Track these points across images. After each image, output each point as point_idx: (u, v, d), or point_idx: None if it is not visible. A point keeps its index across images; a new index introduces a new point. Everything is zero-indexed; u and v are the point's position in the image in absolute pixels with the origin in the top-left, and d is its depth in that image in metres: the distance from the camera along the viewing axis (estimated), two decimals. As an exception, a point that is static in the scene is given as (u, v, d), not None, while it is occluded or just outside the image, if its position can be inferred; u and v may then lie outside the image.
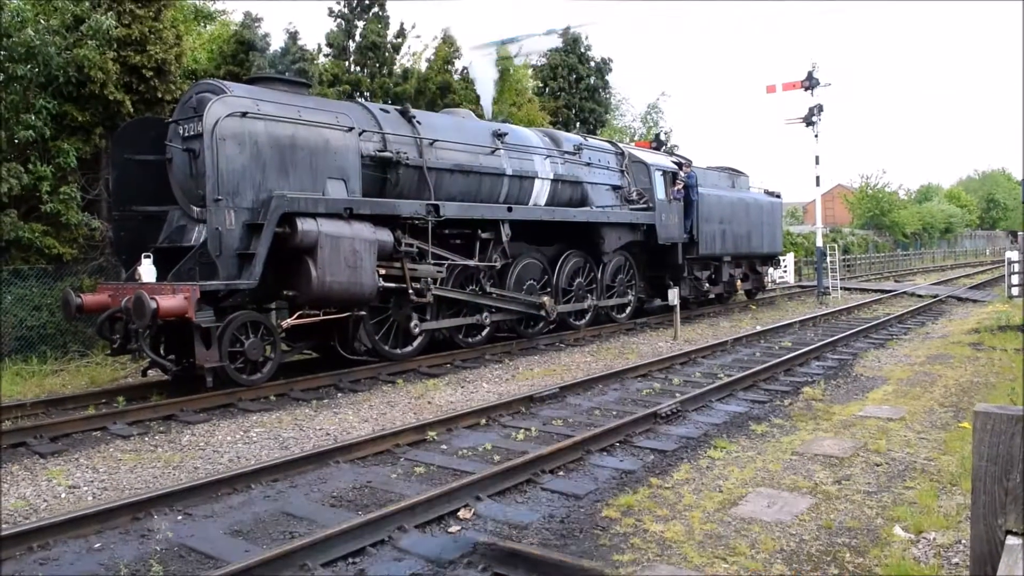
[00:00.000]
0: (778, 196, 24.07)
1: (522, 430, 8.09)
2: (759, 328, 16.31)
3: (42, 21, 13.52)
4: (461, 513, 5.69)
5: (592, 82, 33.46)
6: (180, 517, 5.70)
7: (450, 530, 5.43)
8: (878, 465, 6.75)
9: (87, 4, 13.65)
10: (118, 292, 9.82)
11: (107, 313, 9.75)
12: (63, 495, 6.48)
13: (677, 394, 9.61)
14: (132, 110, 13.87)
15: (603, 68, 34.12)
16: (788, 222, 37.97)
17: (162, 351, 10.19)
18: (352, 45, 21.79)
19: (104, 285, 10.55)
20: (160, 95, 14.37)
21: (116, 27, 13.66)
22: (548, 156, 14.98)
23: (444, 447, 7.61)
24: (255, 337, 9.81)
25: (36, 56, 13.11)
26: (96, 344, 12.66)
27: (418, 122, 12.53)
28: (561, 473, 6.68)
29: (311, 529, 5.41)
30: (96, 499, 6.32)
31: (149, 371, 10.59)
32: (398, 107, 12.79)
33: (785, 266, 25.64)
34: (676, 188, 18.04)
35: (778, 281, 25.48)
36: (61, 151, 13.40)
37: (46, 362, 12.32)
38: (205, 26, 21.17)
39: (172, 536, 5.31)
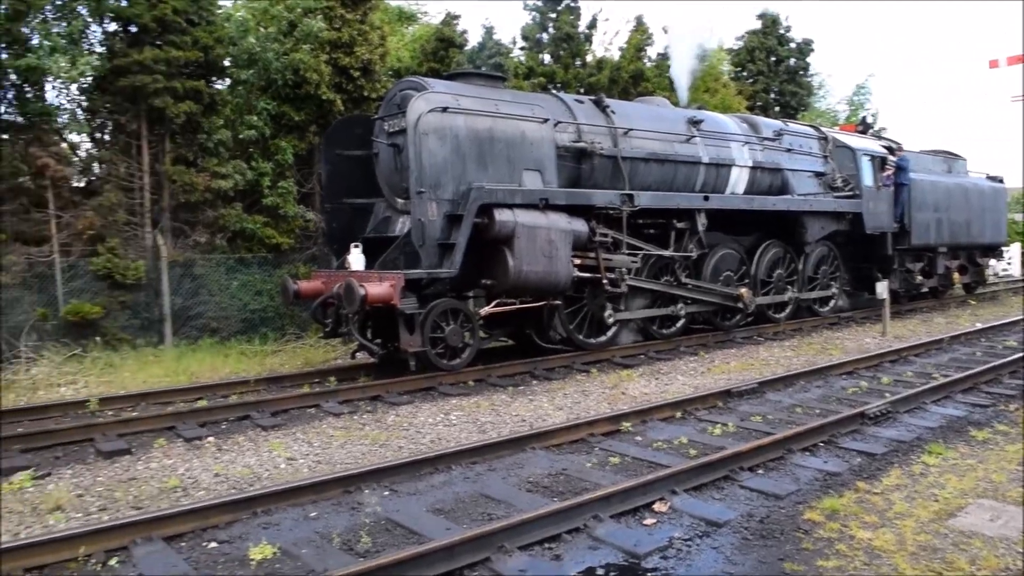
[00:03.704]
0: (1000, 181, 22.06)
1: (719, 425, 7.89)
2: (979, 325, 15.04)
3: (262, 29, 14.60)
4: (657, 506, 5.63)
5: (792, 64, 32.01)
6: (387, 493, 6.00)
7: (645, 522, 5.38)
8: None
9: (300, 11, 14.60)
10: (330, 279, 10.47)
11: (320, 299, 10.42)
12: (282, 466, 6.99)
13: (887, 394, 9.04)
14: (342, 108, 14.72)
15: (804, 49, 32.55)
16: (1015, 209, 34.69)
17: (369, 335, 10.77)
18: (546, 37, 22.03)
19: (317, 273, 11.28)
20: (366, 93, 15.14)
21: (326, 31, 14.55)
22: (746, 143, 14.50)
23: (639, 438, 7.56)
24: (455, 324, 10.17)
25: (257, 62, 14.21)
26: (310, 327, 13.57)
27: (612, 111, 12.48)
28: (760, 471, 6.46)
29: (508, 512, 5.52)
30: (311, 471, 6.77)
31: (357, 354, 11.23)
32: (592, 97, 12.80)
33: (1010, 258, 23.47)
34: (885, 174, 16.94)
35: (1001, 274, 23.40)
36: (279, 149, 14.44)
37: (266, 343, 13.36)
38: (408, 27, 22.12)
39: (380, 510, 5.59)
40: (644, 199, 12.17)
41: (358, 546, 5.01)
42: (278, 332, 13.83)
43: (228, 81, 14.67)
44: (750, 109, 26.03)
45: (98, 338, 12.20)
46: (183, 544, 5.14)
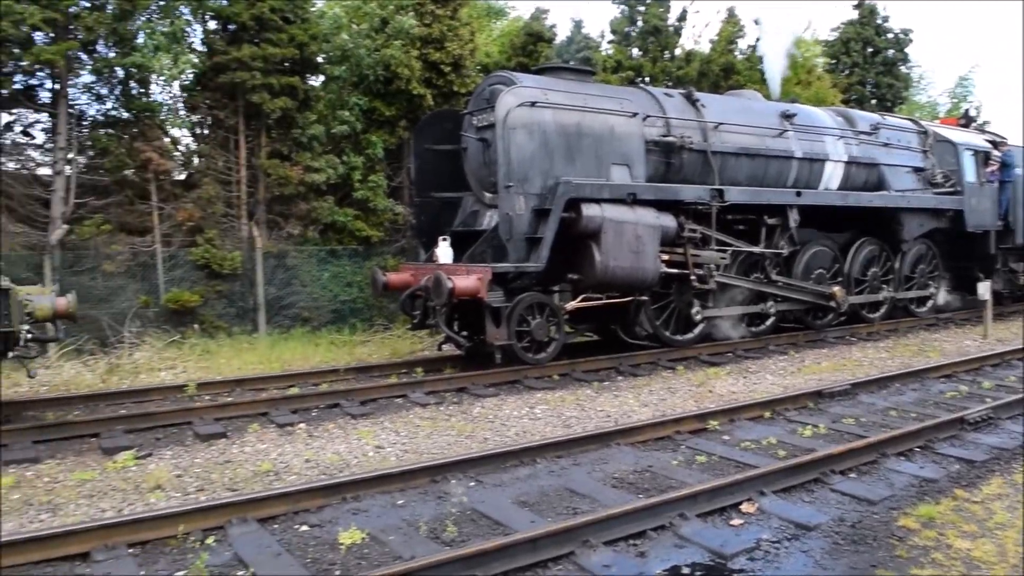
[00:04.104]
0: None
1: (809, 426, 7.71)
2: (1092, 329, 14.30)
3: (355, 26, 14.89)
4: (744, 507, 5.54)
5: (890, 55, 30.90)
6: (472, 483, 6.06)
7: (732, 523, 5.30)
8: None
9: (392, 7, 14.82)
10: (418, 272, 10.63)
11: (409, 291, 10.58)
12: (370, 453, 7.13)
13: (988, 399, 8.67)
14: (432, 103, 14.90)
15: (902, 40, 31.39)
16: None
17: (456, 328, 10.88)
18: (634, 31, 21.81)
19: (406, 265, 11.46)
20: (456, 88, 15.27)
21: (418, 27, 14.75)
22: (841, 137, 14.08)
23: (726, 437, 7.45)
24: (541, 318, 10.19)
25: (350, 58, 14.49)
26: (397, 318, 13.79)
27: (702, 105, 12.29)
28: (852, 475, 6.28)
29: (593, 507, 5.52)
30: (398, 460, 6.89)
31: (444, 345, 11.37)
32: (682, 91, 12.62)
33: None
34: (989, 170, 16.22)
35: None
36: (370, 143, 14.71)
37: (355, 333, 13.65)
38: (496, 22, 22.23)
39: (466, 500, 5.66)
40: (734, 194, 11.96)
41: (444, 535, 5.08)
42: (366, 323, 14.10)
43: (322, 77, 15.00)
44: (845, 102, 25.26)
45: (196, 325, 12.69)
46: (276, 526, 5.30)
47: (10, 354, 7.68)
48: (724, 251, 12.01)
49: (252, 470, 6.64)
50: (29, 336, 7.58)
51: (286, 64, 13.91)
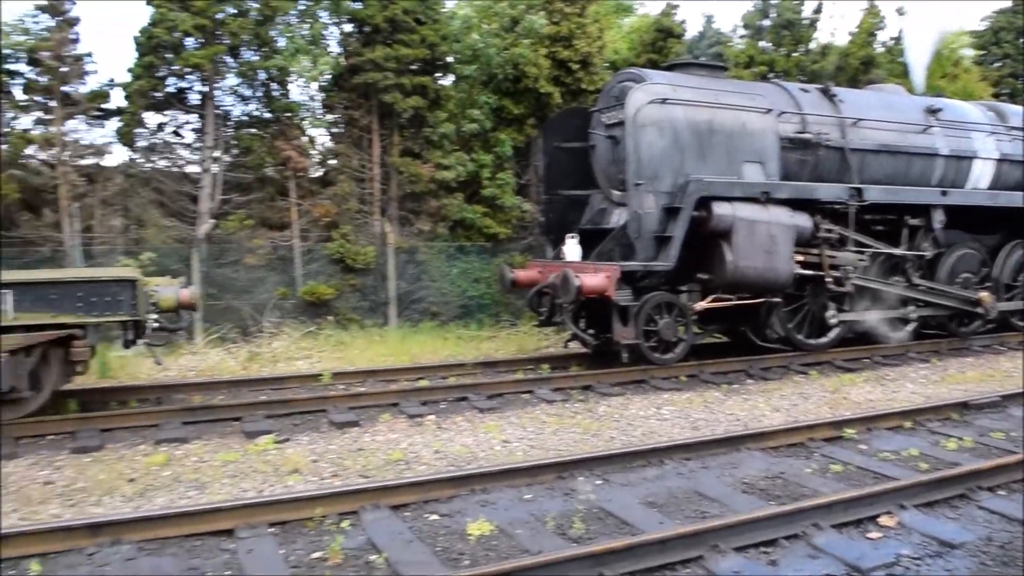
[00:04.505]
0: None
1: (953, 439, 7.31)
2: None
3: (484, 25, 15.09)
4: (882, 520, 5.30)
5: (1048, 45, 28.87)
6: (599, 482, 6.05)
7: (870, 535, 5.09)
8: None
9: (522, 7, 14.94)
10: (546, 269, 10.67)
11: (536, 288, 10.64)
12: (497, 447, 7.22)
13: None
14: (560, 101, 14.93)
15: (1064, 27, 29.26)
16: None
17: (582, 326, 10.87)
18: (767, 24, 21.21)
19: (533, 262, 11.52)
20: (584, 86, 15.24)
21: (547, 25, 14.81)
22: (992, 133, 13.24)
23: (863, 447, 7.15)
24: (669, 318, 10.05)
25: (479, 57, 14.69)
26: (523, 315, 13.90)
27: (840, 100, 11.83)
28: (1002, 492, 5.90)
29: (722, 511, 5.42)
30: (525, 455, 6.96)
31: (570, 343, 11.38)
32: (819, 86, 12.19)
33: None
34: None
35: None
36: (499, 141, 14.87)
37: (482, 328, 13.84)
38: (624, 19, 22.05)
39: (593, 498, 5.65)
40: (874, 193, 11.46)
41: (570, 531, 5.09)
42: (493, 318, 14.28)
43: (452, 77, 15.27)
44: (995, 96, 23.80)
45: (331, 317, 13.18)
46: (407, 514, 5.43)
47: (139, 341, 8.15)
48: (862, 253, 11.53)
49: (383, 458, 6.83)
50: (155, 325, 8.01)
51: (418, 64, 14.22)
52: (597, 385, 9.57)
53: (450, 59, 14.92)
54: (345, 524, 5.21)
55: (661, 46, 17.30)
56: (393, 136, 14.28)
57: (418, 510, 5.50)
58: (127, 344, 8.30)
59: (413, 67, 14.16)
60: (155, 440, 7.38)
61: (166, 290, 8.09)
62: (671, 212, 9.92)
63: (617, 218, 10.81)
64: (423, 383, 9.72)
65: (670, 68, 11.59)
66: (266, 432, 7.56)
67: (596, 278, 9.54)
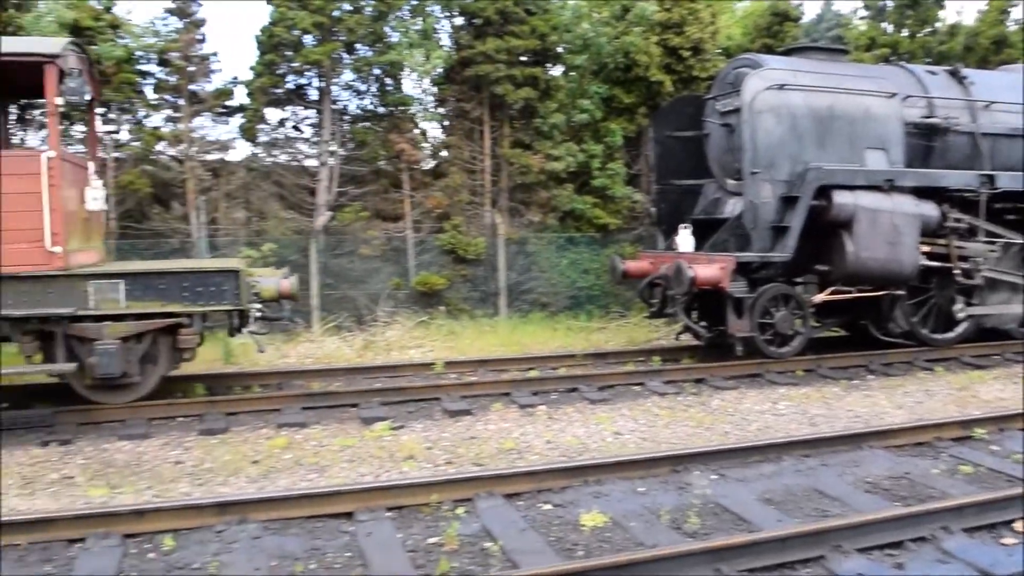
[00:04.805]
0: None
1: (1096, 441, 6.87)
2: None
3: (595, 14, 14.98)
4: (1017, 525, 5.03)
5: None
6: (714, 476, 5.94)
7: (1003, 541, 4.83)
8: None
9: (633, -6, 14.79)
10: (657, 260, 10.54)
11: (648, 279, 10.53)
12: (608, 439, 7.20)
13: None
14: (671, 89, 14.70)
15: None
16: None
17: (694, 317, 10.69)
18: (889, 4, 20.30)
19: (645, 253, 11.41)
20: (696, 73, 14.93)
21: (657, 12, 14.59)
22: None
23: (994, 448, 6.79)
24: (786, 310, 9.78)
25: (590, 47, 14.59)
26: (633, 306, 13.77)
27: (970, 83, 11.24)
28: None
29: (844, 511, 5.25)
30: (637, 447, 6.91)
31: (681, 335, 11.22)
32: (946, 67, 11.61)
33: None
34: None
35: None
36: (609, 131, 14.75)
37: (591, 319, 13.79)
38: (737, 3, 21.50)
39: (708, 493, 5.55)
40: (1006, 180, 10.83)
41: (686, 525, 5.03)
42: (603, 309, 14.19)
43: (562, 67, 15.23)
44: None
45: (442, 307, 13.39)
46: (521, 503, 5.48)
47: (244, 330, 8.43)
48: (993, 243, 10.92)
49: (496, 447, 6.91)
50: (258, 314, 8.28)
51: (528, 55, 14.25)
52: (710, 378, 9.41)
53: (560, 49, 14.88)
54: (460, 511, 5.29)
55: (777, 30, 16.79)
56: (503, 127, 14.36)
57: (531, 499, 5.53)
58: (232, 332, 8.60)
59: (523, 58, 14.20)
60: (276, 424, 7.67)
61: (267, 280, 8.37)
62: (789, 201, 9.66)
63: (732, 208, 10.59)
64: (534, 373, 9.77)
65: (787, 53, 11.28)
66: (382, 419, 7.75)
67: (710, 269, 9.38)
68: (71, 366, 7.55)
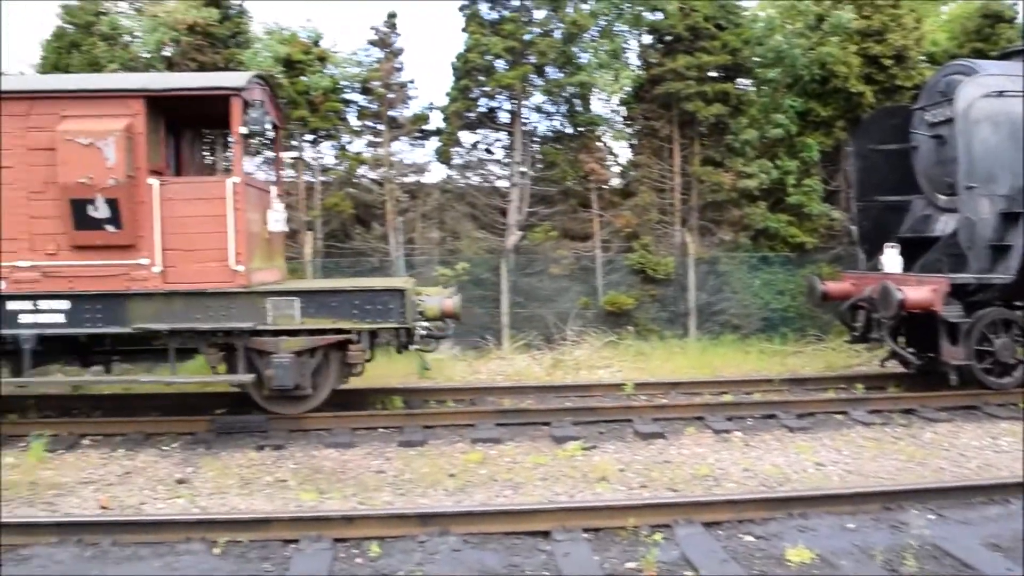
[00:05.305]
0: None
1: None
2: None
3: (788, 25, 14.48)
4: None
5: None
6: (932, 516, 5.53)
7: None
8: None
9: (828, 2, 14.17)
10: (861, 281, 10.02)
11: (850, 301, 10.02)
12: (810, 470, 6.88)
13: None
14: (872, 101, 13.96)
15: None
16: None
17: (902, 343, 10.05)
18: None
19: (847, 274, 10.85)
20: (899, 83, 14.13)
21: (855, 20, 13.92)
22: None
23: None
24: (1007, 337, 9.02)
25: (783, 59, 14.13)
26: (831, 329, 13.14)
27: None
28: None
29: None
30: (842, 480, 6.58)
31: (887, 362, 10.55)
32: None
33: None
34: None
35: None
36: (805, 146, 14.21)
37: (786, 343, 13.26)
38: (944, 6, 20.14)
39: (926, 534, 5.17)
40: None
41: (902, 568, 4.71)
42: (798, 333, 13.62)
43: (754, 81, 14.84)
44: None
45: (631, 327, 13.32)
46: (720, 532, 5.32)
47: (410, 347, 8.66)
48: None
49: (690, 472, 6.77)
50: (423, 332, 8.49)
51: (719, 71, 13.99)
52: (921, 409, 8.79)
53: (752, 63, 14.50)
54: (658, 536, 5.20)
55: (988, 33, 15.57)
56: (693, 145, 14.16)
57: (732, 529, 5.37)
58: (399, 349, 8.88)
59: (714, 74, 13.97)
60: (471, 439, 7.89)
61: (430, 300, 8.59)
62: (1010, 218, 8.97)
63: (944, 225, 9.91)
64: (727, 398, 9.52)
65: (1004, 57, 10.55)
66: (573, 438, 7.80)
67: (920, 291, 8.80)
68: (250, 377, 8.13)
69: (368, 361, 8.64)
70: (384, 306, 8.21)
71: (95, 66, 12.45)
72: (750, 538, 5.23)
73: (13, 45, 26.57)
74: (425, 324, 8.43)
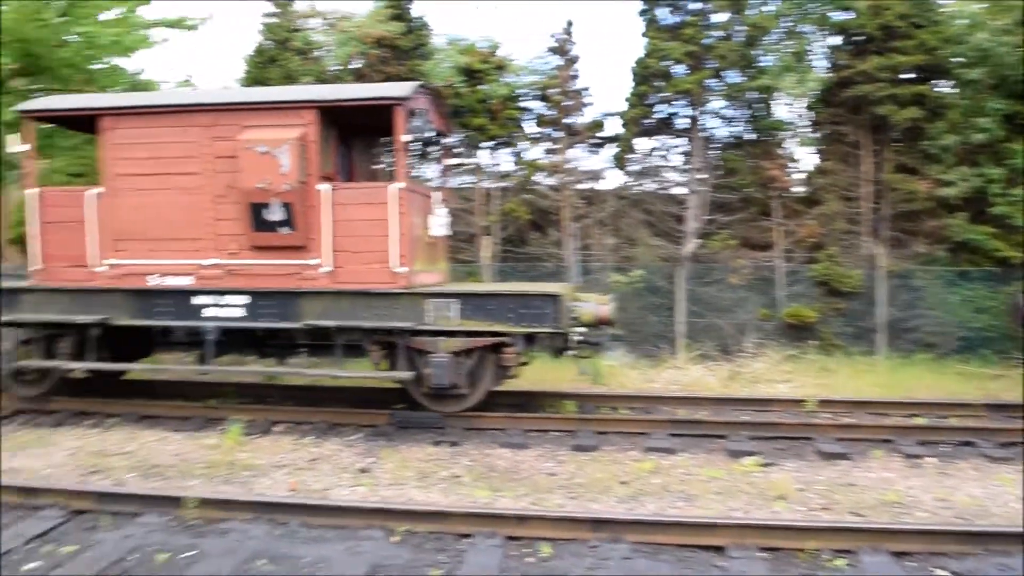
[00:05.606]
0: None
1: None
2: None
3: (992, 22, 13.39)
4: None
5: None
6: None
7: None
8: None
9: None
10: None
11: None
12: (1013, 504, 6.33)
13: None
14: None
15: None
16: None
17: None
18: None
19: (1059, 291, 9.91)
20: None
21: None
22: None
23: None
24: None
25: (988, 59, 13.08)
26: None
27: None
28: None
29: None
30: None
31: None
32: None
33: None
34: None
35: None
36: (1012, 152, 13.09)
37: (986, 365, 12.24)
38: None
39: None
40: None
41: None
42: (1001, 355, 12.54)
43: (954, 82, 13.85)
44: None
45: (813, 341, 12.75)
46: (910, 563, 5.00)
47: (567, 352, 8.58)
48: None
49: (877, 498, 6.40)
50: (579, 338, 8.40)
51: (914, 72, 13.16)
52: None
53: (952, 63, 13.53)
54: (840, 563, 4.96)
55: None
56: (885, 151, 13.39)
57: (923, 562, 5.03)
58: (555, 354, 8.86)
59: (908, 75, 13.15)
60: (644, 447, 7.81)
61: (585, 306, 8.52)
62: None
63: None
64: (919, 421, 8.89)
65: None
66: (750, 453, 7.56)
67: None
68: (410, 375, 8.42)
69: (524, 365, 8.76)
70: (539, 310, 8.29)
71: (290, 79, 13.34)
72: (944, 573, 4.88)
73: (221, 60, 28.92)
74: (581, 330, 8.43)
